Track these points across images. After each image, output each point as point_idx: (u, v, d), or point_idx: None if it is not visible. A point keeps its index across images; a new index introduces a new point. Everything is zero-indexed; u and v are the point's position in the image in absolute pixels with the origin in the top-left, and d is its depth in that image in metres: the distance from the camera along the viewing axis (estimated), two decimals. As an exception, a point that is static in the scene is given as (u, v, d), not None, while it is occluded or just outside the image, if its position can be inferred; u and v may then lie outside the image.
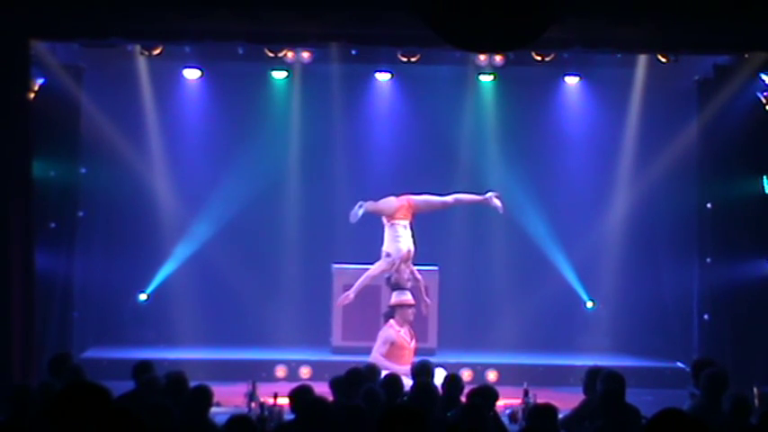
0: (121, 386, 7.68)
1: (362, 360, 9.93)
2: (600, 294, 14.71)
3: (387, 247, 11.55)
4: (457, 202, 12.09)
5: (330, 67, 13.75)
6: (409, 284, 11.53)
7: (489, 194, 11.94)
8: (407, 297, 11.40)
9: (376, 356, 10.99)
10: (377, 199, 11.96)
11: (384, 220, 11.62)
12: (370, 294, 12.09)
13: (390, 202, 11.74)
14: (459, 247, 14.28)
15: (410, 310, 11.40)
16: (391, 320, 11.28)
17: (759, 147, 12.07)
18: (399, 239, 11.52)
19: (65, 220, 12.39)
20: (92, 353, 13.10)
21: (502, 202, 11.98)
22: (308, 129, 14.55)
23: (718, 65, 12.28)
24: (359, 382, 7.53)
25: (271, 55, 12.60)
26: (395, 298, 11.35)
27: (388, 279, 11.57)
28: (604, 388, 7.16)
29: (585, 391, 7.86)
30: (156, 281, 14.36)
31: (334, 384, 7.77)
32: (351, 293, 11.55)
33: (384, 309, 11.91)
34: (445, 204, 12.08)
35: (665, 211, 14.11)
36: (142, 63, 13.62)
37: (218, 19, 10.38)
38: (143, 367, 8.06)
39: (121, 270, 14.07)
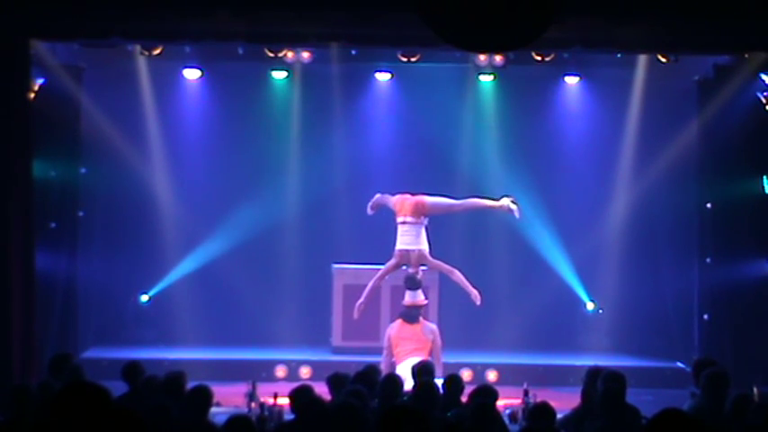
0: (122, 386, 7.68)
1: (362, 360, 9.90)
2: (600, 294, 14.69)
3: (425, 245, 11.47)
4: (471, 206, 11.87)
5: (330, 67, 13.74)
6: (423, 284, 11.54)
7: (504, 200, 11.44)
8: (422, 296, 11.38)
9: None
10: (386, 197, 11.85)
11: (421, 219, 11.48)
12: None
13: None
14: (459, 247, 14.25)
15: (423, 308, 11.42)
16: (421, 318, 11.21)
17: (759, 147, 12.07)
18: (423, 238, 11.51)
19: (65, 220, 12.40)
20: (92, 353, 13.10)
21: (518, 206, 11.37)
22: (308, 129, 14.56)
23: (718, 65, 12.27)
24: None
25: (271, 55, 12.59)
26: (411, 298, 11.24)
27: (407, 278, 11.46)
28: (604, 388, 7.15)
29: (585, 391, 7.84)
30: (160, 286, 14.36)
31: (333, 382, 7.79)
32: (474, 291, 11.43)
33: (382, 308, 11.88)
34: (452, 208, 11.91)
35: (665, 212, 14.10)
36: (142, 63, 13.61)
37: (218, 19, 10.38)
38: (132, 369, 7.92)
39: (122, 270, 14.08)
